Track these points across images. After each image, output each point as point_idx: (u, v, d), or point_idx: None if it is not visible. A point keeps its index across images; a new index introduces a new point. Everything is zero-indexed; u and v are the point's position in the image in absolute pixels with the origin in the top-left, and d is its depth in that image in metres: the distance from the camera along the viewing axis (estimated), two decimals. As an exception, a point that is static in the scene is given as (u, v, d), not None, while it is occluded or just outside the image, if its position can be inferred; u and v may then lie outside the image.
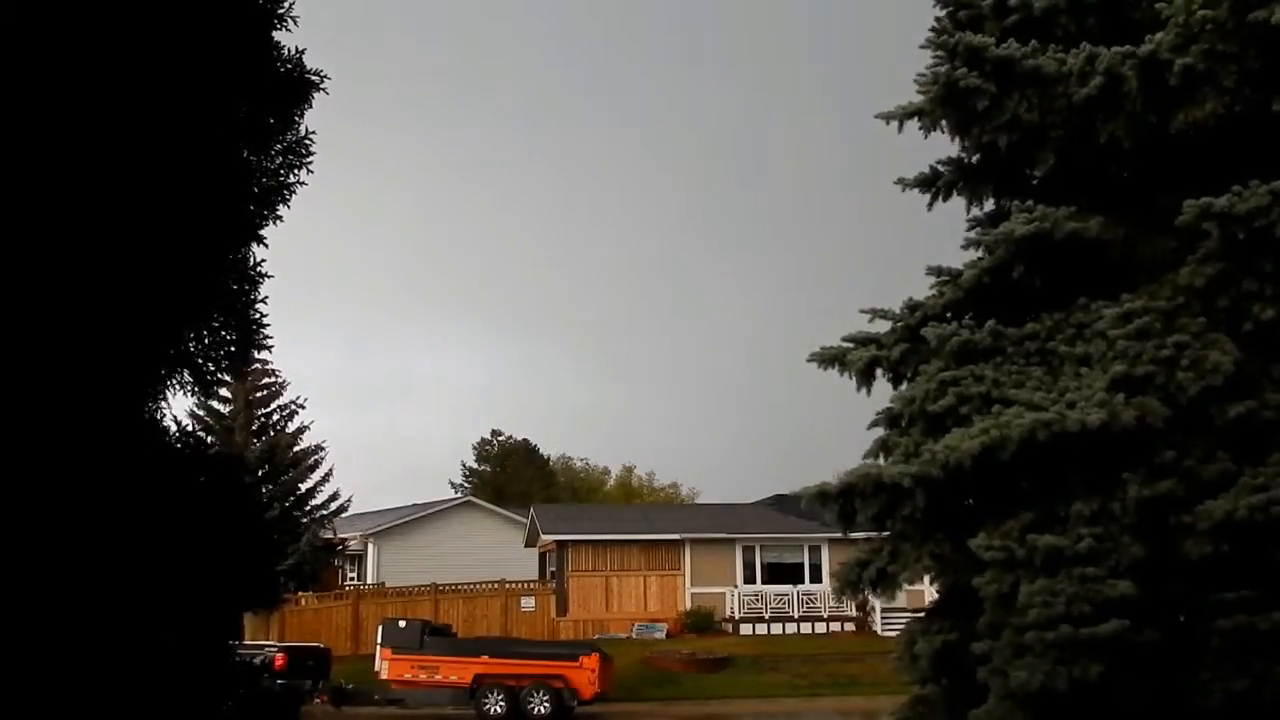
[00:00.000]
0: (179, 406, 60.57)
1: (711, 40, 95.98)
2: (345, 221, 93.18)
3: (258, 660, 23.44)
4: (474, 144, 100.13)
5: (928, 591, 17.40)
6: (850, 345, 12.01)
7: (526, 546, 43.46)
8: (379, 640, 27.84)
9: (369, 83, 79.32)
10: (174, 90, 6.49)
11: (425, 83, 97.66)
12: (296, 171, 7.55)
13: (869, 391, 11.81)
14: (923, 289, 11.97)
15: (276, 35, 7.38)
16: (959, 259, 11.71)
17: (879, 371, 11.89)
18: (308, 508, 39.14)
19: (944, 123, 11.43)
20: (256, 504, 9.26)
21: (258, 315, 7.62)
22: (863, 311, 12.03)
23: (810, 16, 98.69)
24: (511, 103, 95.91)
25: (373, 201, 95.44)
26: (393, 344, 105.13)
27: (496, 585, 38.65)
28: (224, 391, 36.55)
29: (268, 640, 31.81)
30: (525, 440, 69.85)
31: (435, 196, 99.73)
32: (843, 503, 10.63)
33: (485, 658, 27.31)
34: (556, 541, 38.65)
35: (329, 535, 39.82)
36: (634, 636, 35.67)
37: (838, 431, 16.91)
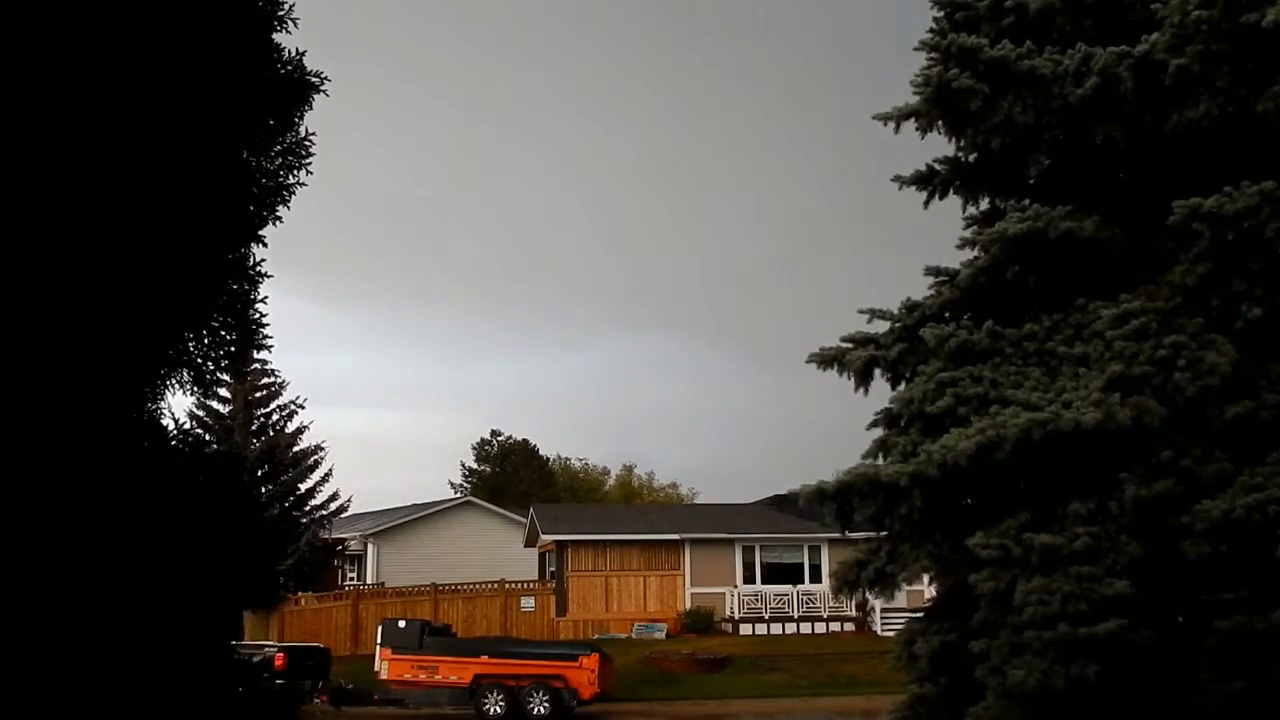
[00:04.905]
0: (179, 406, 60.57)
1: (711, 34, 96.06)
2: (342, 221, 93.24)
3: (257, 660, 23.55)
4: (472, 139, 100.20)
5: (927, 591, 17.44)
6: (849, 345, 12.04)
7: (526, 546, 43.46)
8: (379, 640, 27.84)
9: (368, 68, 79.36)
10: (174, 93, 6.52)
11: (436, 69, 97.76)
12: (296, 172, 7.60)
13: (866, 391, 11.85)
14: (922, 289, 12.02)
15: (277, 37, 7.41)
16: (957, 258, 11.77)
17: (877, 371, 11.91)
18: (307, 508, 39.13)
19: (939, 124, 11.48)
20: (256, 504, 9.29)
21: (257, 315, 7.66)
22: (861, 312, 12.08)
23: (819, 14, 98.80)
24: (502, 99, 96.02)
25: (370, 199, 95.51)
26: (392, 343, 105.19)
27: (496, 585, 38.66)
28: (223, 391, 36.58)
29: (268, 640, 31.83)
30: (524, 440, 69.88)
31: (432, 194, 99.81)
32: (840, 502, 10.66)
33: (485, 658, 27.31)
34: (556, 541, 38.65)
35: (327, 535, 39.82)
36: (634, 636, 35.67)
37: (838, 432, 16.89)
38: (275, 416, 39.29)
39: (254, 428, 38.68)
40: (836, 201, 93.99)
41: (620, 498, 65.61)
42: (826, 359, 11.99)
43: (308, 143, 7.51)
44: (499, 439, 70.66)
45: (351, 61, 69.03)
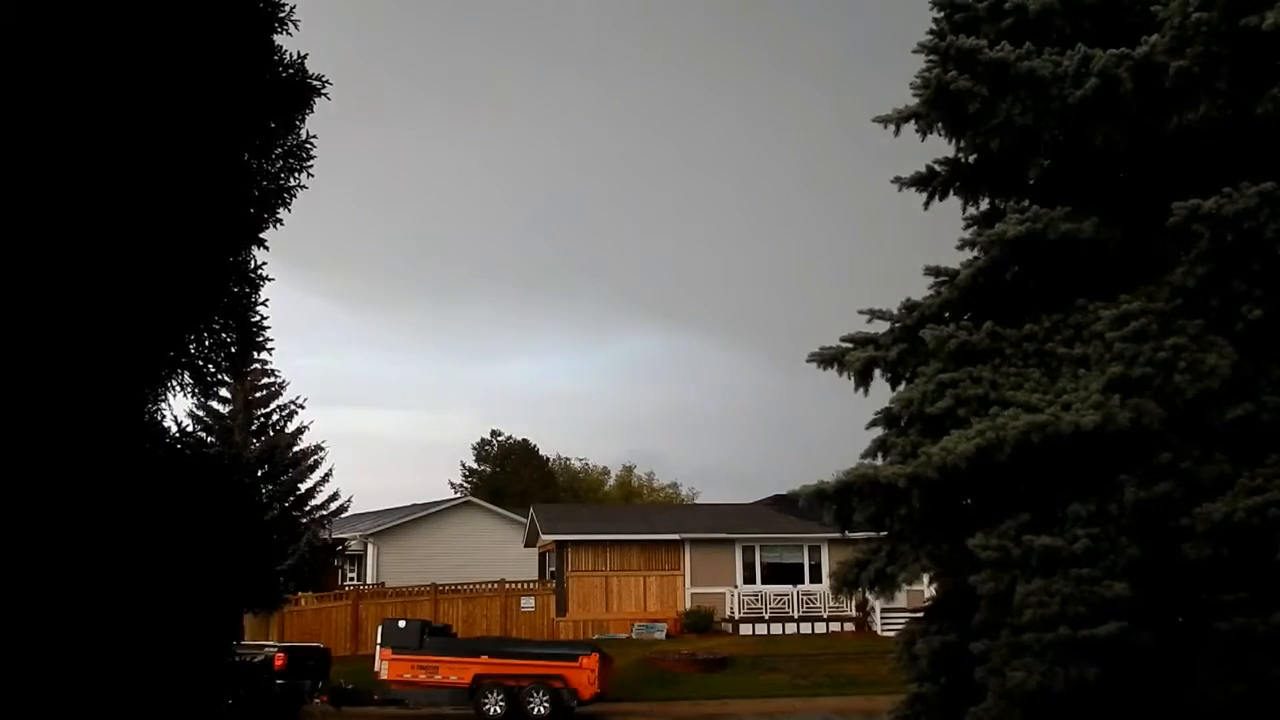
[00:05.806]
0: (179, 407, 60.54)
1: (713, 34, 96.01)
2: (343, 220, 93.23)
3: (258, 660, 23.55)
4: (473, 138, 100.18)
5: (927, 591, 17.48)
6: (849, 345, 12.05)
7: (526, 546, 43.46)
8: (379, 640, 27.85)
9: (370, 67, 79.29)
10: (175, 95, 6.53)
11: (435, 74, 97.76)
12: (297, 175, 7.60)
13: (866, 392, 11.87)
14: (922, 289, 12.03)
15: (278, 39, 7.42)
16: (957, 259, 11.78)
17: (877, 372, 11.93)
18: (307, 508, 39.16)
19: (939, 125, 11.49)
20: (256, 504, 9.30)
21: (258, 317, 7.67)
22: (861, 312, 12.10)
23: (815, 16, 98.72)
24: (506, 97, 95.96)
25: (371, 197, 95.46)
26: (392, 343, 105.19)
27: (496, 585, 38.67)
28: (223, 392, 36.56)
29: (268, 640, 31.81)
30: (524, 440, 69.89)
31: (435, 193, 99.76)
32: (840, 503, 10.67)
33: (485, 658, 27.32)
34: (556, 541, 38.66)
35: (327, 535, 39.82)
36: (634, 636, 35.67)
37: (839, 432, 16.91)
38: (275, 416, 39.34)
39: (254, 428, 38.70)
40: (841, 201, 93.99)
41: (620, 498, 65.62)
42: (826, 359, 12.01)
43: (309, 145, 7.52)
44: (499, 439, 70.67)
45: (354, 61, 69.00)
